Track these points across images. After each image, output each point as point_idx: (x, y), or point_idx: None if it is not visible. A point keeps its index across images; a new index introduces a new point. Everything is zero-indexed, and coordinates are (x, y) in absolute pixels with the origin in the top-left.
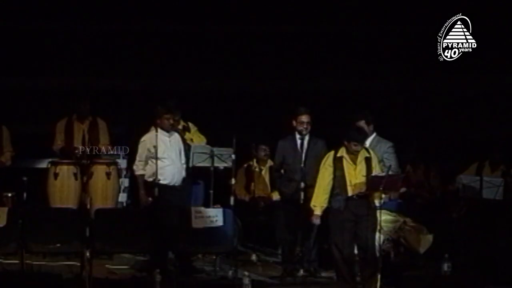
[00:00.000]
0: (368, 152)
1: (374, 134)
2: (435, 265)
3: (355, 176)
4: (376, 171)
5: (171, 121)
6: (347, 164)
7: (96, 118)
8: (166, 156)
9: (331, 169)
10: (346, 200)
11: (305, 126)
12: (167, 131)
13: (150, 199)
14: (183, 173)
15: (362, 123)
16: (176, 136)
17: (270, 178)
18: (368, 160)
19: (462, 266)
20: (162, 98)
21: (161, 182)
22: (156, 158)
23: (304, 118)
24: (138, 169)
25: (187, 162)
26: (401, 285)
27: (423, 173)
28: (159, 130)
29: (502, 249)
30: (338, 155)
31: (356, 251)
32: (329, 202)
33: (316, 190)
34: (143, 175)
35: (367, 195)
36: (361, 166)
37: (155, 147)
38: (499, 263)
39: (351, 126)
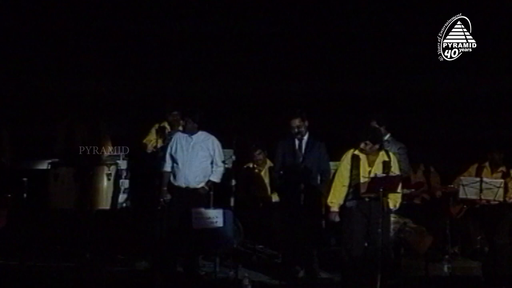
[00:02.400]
0: (388, 156)
1: (388, 135)
2: (436, 266)
3: (368, 177)
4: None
5: (192, 123)
6: (363, 164)
7: (97, 120)
8: (179, 157)
9: (348, 167)
10: (357, 201)
11: (296, 130)
12: (191, 133)
13: (169, 196)
14: (211, 177)
15: (374, 124)
16: (203, 138)
17: (270, 179)
18: (386, 164)
19: (462, 267)
20: (163, 99)
21: (174, 183)
22: (172, 159)
23: (294, 122)
24: (164, 165)
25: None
26: (402, 286)
27: (423, 173)
28: (180, 131)
29: (502, 250)
30: (356, 153)
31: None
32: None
33: (333, 187)
34: (167, 172)
35: (378, 197)
36: (377, 169)
37: (174, 147)
38: (499, 264)
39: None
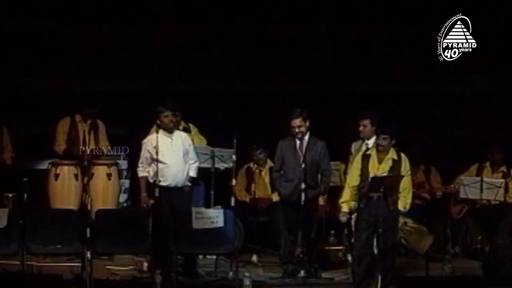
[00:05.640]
0: (398, 156)
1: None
2: (436, 266)
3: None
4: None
5: (171, 119)
6: (372, 162)
7: (96, 119)
8: (166, 157)
9: (359, 166)
10: (365, 199)
11: (297, 130)
12: (170, 131)
13: (151, 201)
14: (191, 173)
15: (366, 122)
16: (180, 135)
17: (270, 179)
18: (395, 163)
19: (463, 266)
20: (162, 99)
21: (161, 183)
22: (157, 160)
23: (295, 122)
24: (140, 171)
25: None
26: (402, 286)
27: (423, 173)
28: (160, 131)
29: (502, 250)
30: (367, 152)
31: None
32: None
33: (345, 187)
34: (145, 177)
35: (386, 196)
36: (385, 166)
37: (155, 148)
38: (500, 264)
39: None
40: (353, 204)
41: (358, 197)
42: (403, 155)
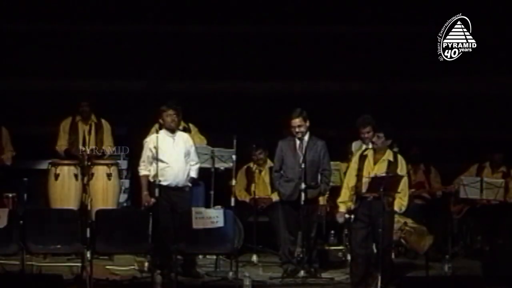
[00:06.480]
0: (395, 158)
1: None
2: (436, 266)
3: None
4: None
5: (174, 118)
6: (367, 162)
7: (100, 119)
8: (167, 157)
9: (356, 167)
10: (360, 200)
11: (297, 130)
12: (172, 131)
13: (153, 199)
14: (191, 174)
15: (368, 129)
16: (182, 136)
17: (270, 179)
18: (391, 164)
19: (463, 266)
20: (162, 99)
21: (162, 183)
22: (157, 159)
23: (295, 122)
24: (141, 169)
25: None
26: (402, 286)
27: (423, 173)
28: (163, 130)
29: (502, 250)
30: (364, 153)
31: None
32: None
33: (343, 187)
34: (146, 176)
35: (380, 196)
36: (381, 167)
37: (156, 148)
38: (500, 264)
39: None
40: (350, 204)
41: (354, 197)
42: (399, 157)
